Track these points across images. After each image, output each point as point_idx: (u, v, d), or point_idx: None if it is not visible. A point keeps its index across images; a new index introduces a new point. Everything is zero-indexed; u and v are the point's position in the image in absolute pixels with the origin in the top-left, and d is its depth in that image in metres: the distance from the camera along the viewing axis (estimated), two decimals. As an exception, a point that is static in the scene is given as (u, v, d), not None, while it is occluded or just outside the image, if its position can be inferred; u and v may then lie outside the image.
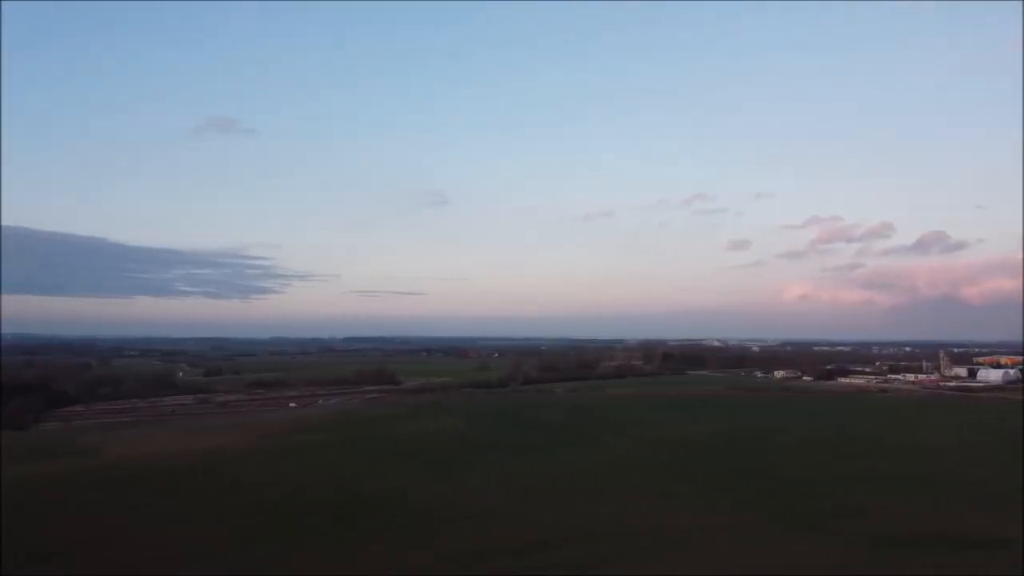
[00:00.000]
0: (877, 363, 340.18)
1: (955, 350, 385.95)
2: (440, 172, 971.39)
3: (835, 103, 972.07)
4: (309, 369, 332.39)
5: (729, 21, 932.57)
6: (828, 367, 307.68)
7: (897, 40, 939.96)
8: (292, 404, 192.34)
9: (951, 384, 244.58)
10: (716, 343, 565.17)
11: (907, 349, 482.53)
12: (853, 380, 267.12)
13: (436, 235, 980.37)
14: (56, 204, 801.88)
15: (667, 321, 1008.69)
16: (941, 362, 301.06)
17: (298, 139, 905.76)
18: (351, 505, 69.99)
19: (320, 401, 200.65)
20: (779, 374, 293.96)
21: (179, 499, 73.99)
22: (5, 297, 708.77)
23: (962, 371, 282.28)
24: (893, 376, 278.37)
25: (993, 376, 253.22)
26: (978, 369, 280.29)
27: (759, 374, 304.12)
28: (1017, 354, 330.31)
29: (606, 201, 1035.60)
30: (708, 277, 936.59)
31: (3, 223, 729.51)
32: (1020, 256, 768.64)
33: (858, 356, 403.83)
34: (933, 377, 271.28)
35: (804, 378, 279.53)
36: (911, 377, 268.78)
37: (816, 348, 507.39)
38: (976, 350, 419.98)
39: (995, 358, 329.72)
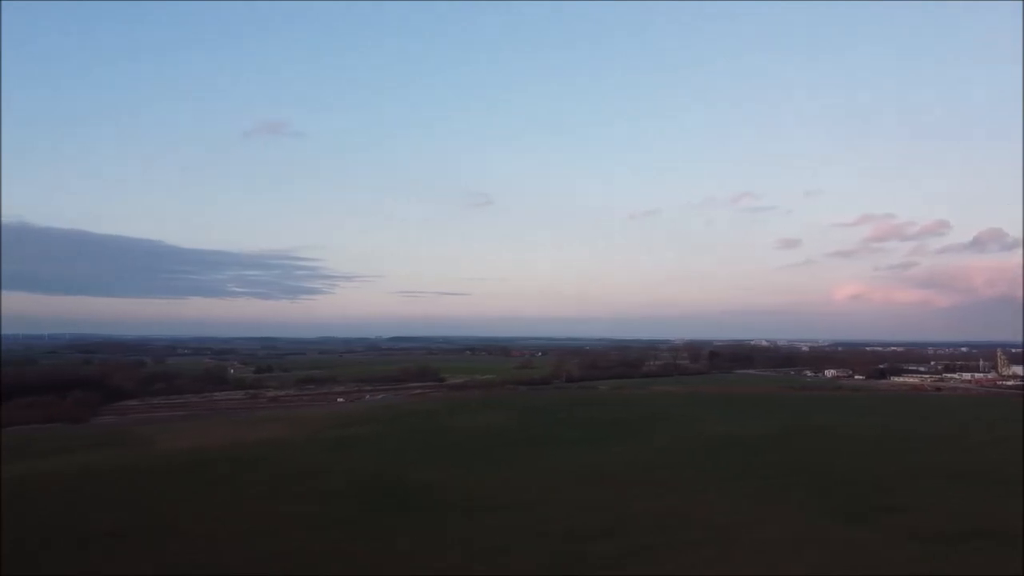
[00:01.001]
0: (932, 362, 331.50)
1: (1013, 350, 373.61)
2: (485, 173, 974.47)
3: (887, 98, 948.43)
4: (356, 367, 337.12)
5: (775, 17, 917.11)
6: (881, 366, 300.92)
7: (951, 34, 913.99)
8: (340, 399, 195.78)
9: (1009, 383, 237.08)
10: (764, 344, 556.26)
11: (963, 350, 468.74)
12: (907, 379, 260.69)
13: (480, 236, 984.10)
14: (113, 208, 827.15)
15: (713, 322, 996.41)
16: (999, 361, 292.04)
17: (345, 141, 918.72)
18: (401, 493, 70.81)
19: (367, 397, 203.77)
20: (830, 373, 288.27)
21: (232, 487, 75.81)
22: (64, 299, 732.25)
23: (1020, 370, 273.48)
24: (948, 375, 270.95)
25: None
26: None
27: (809, 373, 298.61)
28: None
29: (651, 200, 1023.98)
30: (756, 277, 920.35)
31: (63, 227, 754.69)
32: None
33: (912, 355, 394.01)
34: (990, 376, 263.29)
35: (856, 377, 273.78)
36: (967, 376, 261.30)
37: (869, 349, 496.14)
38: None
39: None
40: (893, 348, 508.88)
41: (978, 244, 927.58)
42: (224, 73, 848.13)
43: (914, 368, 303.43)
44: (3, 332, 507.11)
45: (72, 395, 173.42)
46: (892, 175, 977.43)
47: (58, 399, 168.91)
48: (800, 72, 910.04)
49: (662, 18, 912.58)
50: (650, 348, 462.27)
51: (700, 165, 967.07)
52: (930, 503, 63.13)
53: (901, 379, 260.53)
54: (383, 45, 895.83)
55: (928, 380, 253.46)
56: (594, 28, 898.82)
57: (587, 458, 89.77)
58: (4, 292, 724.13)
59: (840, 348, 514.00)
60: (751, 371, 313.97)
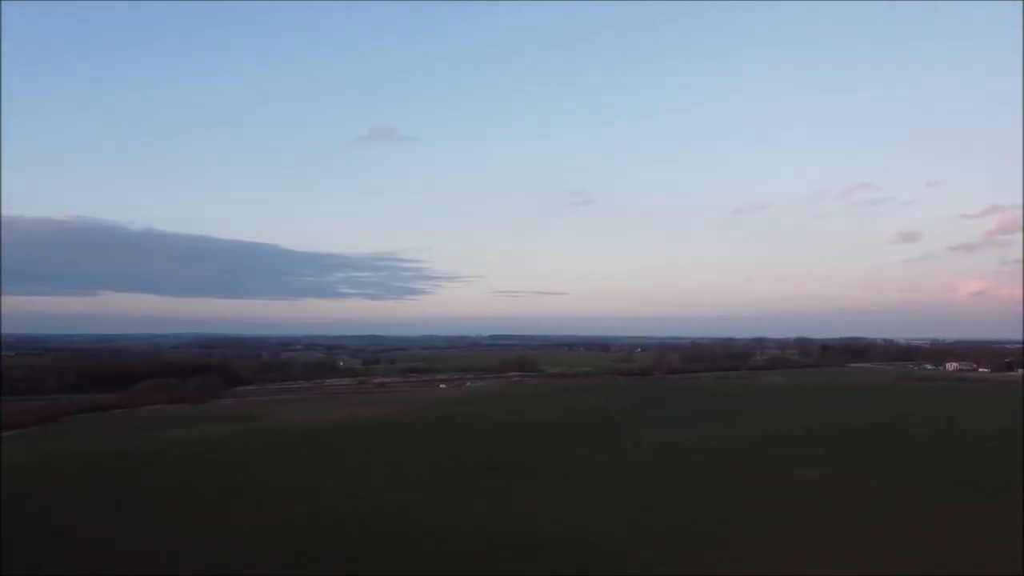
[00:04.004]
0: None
1: None
2: (585, 171, 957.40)
3: (1017, 81, 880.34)
4: (457, 360, 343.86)
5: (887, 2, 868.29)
6: (1007, 360, 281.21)
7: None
8: (442, 385, 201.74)
9: None
10: (880, 342, 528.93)
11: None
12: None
13: (579, 235, 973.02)
14: (232, 213, 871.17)
15: (824, 320, 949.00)
16: None
17: (451, 144, 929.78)
18: (506, 460, 72.09)
19: (468, 383, 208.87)
20: (951, 366, 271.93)
21: (346, 453, 79.17)
22: (187, 300, 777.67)
23: None
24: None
25: None
26: None
27: (929, 366, 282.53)
28: None
29: (759, 194, 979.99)
30: (871, 273, 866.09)
31: (186, 232, 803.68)
32: None
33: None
34: None
35: (980, 370, 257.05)
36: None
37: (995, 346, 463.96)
38: None
39: None
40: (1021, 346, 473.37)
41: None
42: (339, 80, 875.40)
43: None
44: (131, 332, 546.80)
45: (194, 380, 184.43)
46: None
47: (181, 383, 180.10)
48: (922, 57, 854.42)
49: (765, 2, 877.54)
50: (757, 344, 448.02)
51: (812, 156, 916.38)
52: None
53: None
54: (487, 47, 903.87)
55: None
56: (688, 16, 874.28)
57: (692, 437, 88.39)
58: (132, 295, 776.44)
59: (962, 346, 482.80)
60: (866, 364, 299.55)
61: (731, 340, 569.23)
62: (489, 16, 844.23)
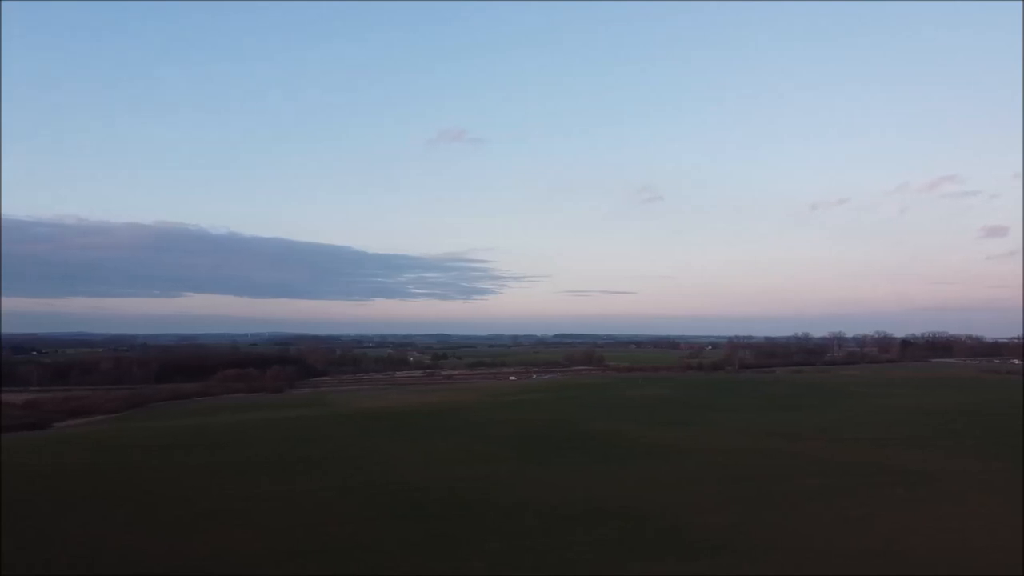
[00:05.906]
0: None
1: None
2: (656, 167, 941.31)
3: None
4: (524, 355, 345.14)
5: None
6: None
7: None
8: (512, 377, 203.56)
9: None
10: (965, 339, 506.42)
11: None
12: None
13: (649, 232, 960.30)
14: (310, 216, 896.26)
15: (904, 319, 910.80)
16: None
17: (518, 145, 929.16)
18: (574, 438, 72.28)
19: (535, 376, 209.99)
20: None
21: (417, 432, 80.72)
22: (265, 301, 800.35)
23: None
24: None
25: None
26: None
27: (1016, 361, 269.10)
28: None
29: (838, 188, 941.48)
30: (955, 269, 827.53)
31: (266, 236, 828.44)
32: None
33: None
34: None
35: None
36: None
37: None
38: None
39: None
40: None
41: None
42: (410, 84, 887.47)
43: None
44: (212, 332, 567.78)
45: (271, 370, 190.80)
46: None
47: (259, 373, 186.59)
48: (1008, 46, 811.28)
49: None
50: (834, 340, 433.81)
51: (894, 148, 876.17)
52: None
53: None
54: (556, 45, 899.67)
55: None
56: (761, 6, 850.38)
57: (764, 421, 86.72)
58: (213, 296, 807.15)
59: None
60: (949, 360, 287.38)
61: (807, 337, 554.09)
62: (556, 14, 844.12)
